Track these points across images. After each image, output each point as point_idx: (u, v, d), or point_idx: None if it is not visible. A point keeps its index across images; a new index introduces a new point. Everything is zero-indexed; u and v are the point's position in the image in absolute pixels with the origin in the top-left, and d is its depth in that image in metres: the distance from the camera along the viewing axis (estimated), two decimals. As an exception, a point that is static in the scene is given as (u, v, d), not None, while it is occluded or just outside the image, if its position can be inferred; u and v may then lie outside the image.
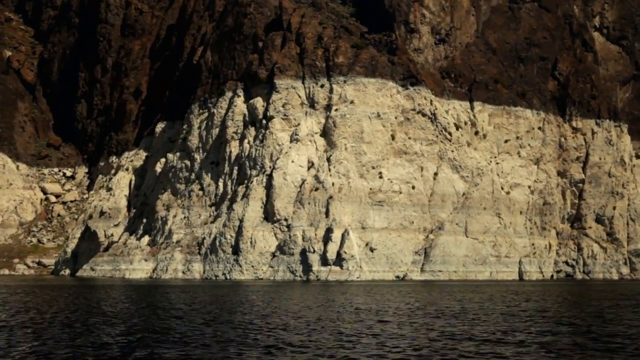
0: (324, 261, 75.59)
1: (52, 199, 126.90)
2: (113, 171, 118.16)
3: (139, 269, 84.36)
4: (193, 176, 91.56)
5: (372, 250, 79.36)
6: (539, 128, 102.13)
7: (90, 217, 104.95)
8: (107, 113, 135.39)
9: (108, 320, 29.56)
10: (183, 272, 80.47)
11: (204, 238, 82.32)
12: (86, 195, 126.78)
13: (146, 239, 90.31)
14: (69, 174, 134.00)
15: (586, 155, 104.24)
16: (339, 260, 75.60)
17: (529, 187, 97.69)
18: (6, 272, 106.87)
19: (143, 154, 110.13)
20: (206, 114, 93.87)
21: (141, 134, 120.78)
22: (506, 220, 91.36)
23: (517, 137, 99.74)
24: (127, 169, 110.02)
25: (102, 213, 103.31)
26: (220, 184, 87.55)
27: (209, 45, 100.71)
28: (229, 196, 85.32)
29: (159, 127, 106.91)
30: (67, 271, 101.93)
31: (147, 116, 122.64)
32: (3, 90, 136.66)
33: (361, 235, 79.43)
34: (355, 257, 76.25)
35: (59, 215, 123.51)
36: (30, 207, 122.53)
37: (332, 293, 49.65)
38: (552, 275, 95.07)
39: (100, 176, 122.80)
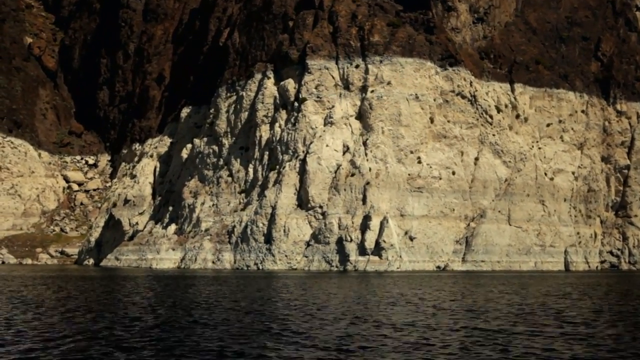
0: (362, 250, 71.46)
1: (75, 187, 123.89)
2: (136, 158, 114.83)
3: (166, 258, 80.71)
4: (221, 162, 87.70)
5: (411, 239, 75.12)
6: (582, 111, 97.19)
7: (114, 205, 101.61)
8: (129, 100, 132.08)
9: (171, 314, 25.71)
10: (213, 262, 76.69)
11: (234, 226, 78.46)
12: (109, 184, 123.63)
13: (173, 227, 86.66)
14: (91, 161, 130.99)
15: (631, 140, 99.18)
16: (378, 249, 71.44)
17: (573, 173, 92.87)
18: (29, 261, 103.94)
19: (168, 141, 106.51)
20: (234, 98, 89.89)
21: (165, 120, 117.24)
22: (550, 207, 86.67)
23: (560, 121, 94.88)
24: (151, 156, 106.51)
25: (126, 201, 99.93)
26: (250, 170, 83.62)
27: (236, 26, 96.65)
28: (259, 182, 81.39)
29: (184, 112, 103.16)
30: (91, 261, 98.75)
31: (170, 102, 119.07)
32: (24, 77, 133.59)
33: (400, 224, 75.21)
34: (395, 247, 72.06)
35: (81, 203, 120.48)
36: (53, 196, 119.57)
37: (379, 285, 45.52)
38: (596, 266, 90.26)
39: (124, 164, 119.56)
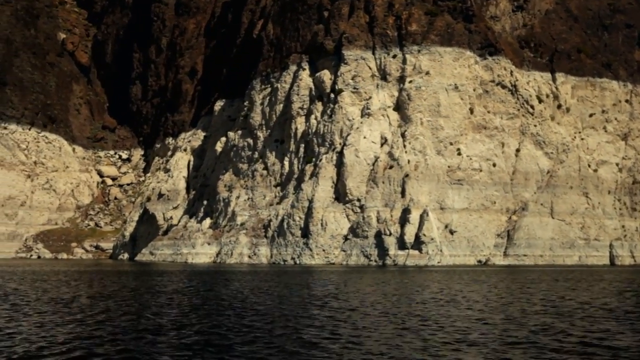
0: (401, 244, 69.67)
1: (109, 181, 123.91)
2: (170, 153, 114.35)
3: (202, 253, 79.80)
4: (256, 155, 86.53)
5: (451, 232, 73.16)
6: (626, 101, 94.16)
7: (148, 199, 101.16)
8: (162, 94, 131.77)
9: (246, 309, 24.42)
10: (249, 257, 75.56)
11: (270, 220, 77.24)
12: (142, 178, 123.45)
13: (208, 221, 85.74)
14: (124, 156, 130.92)
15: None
16: (418, 243, 69.60)
17: (617, 164, 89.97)
18: (64, 256, 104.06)
19: (201, 134, 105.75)
20: (269, 90, 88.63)
21: (198, 114, 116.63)
22: (594, 200, 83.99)
23: (603, 111, 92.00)
24: (184, 150, 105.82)
25: (160, 195, 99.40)
26: (286, 163, 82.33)
27: (269, 17, 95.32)
28: (295, 175, 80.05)
29: (218, 105, 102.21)
30: (126, 255, 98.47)
31: (203, 96, 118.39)
32: (58, 73, 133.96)
33: (440, 217, 73.30)
34: (436, 240, 70.15)
35: (115, 198, 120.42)
36: (87, 190, 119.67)
37: (427, 281, 43.82)
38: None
39: (157, 158, 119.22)
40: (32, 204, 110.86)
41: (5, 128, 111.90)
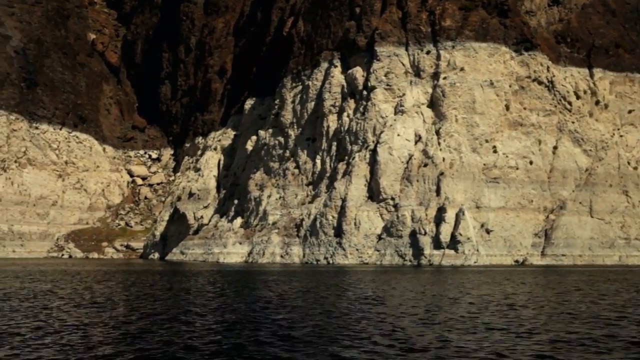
0: (437, 244, 68.15)
1: (139, 181, 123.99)
2: (199, 152, 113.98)
3: (234, 252, 79.04)
4: (287, 153, 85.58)
5: (488, 232, 71.50)
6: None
7: (179, 199, 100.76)
8: (191, 93, 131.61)
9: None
10: (281, 256, 74.59)
11: (302, 219, 76.21)
12: (172, 178, 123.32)
13: (239, 220, 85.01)
14: (154, 156, 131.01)
15: None
16: (454, 242, 68.03)
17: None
18: (95, 255, 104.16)
19: (231, 133, 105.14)
20: (300, 88, 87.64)
21: (228, 113, 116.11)
22: (634, 198, 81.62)
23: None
24: (215, 149, 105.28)
25: (190, 194, 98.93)
26: (318, 161, 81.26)
27: (300, 15, 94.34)
28: (327, 174, 78.95)
29: (248, 104, 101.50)
30: (156, 255, 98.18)
31: (233, 94, 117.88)
32: (88, 73, 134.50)
33: (476, 216, 71.65)
34: (472, 240, 68.53)
35: (145, 197, 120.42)
36: (118, 190, 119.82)
37: (471, 282, 42.40)
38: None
39: (187, 157, 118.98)
40: (64, 203, 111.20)
41: (36, 128, 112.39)
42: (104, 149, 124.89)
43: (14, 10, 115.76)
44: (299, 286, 34.90)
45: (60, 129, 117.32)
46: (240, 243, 79.72)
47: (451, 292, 31.21)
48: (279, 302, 25.88)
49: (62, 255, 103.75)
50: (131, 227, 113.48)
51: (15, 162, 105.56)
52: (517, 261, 72.46)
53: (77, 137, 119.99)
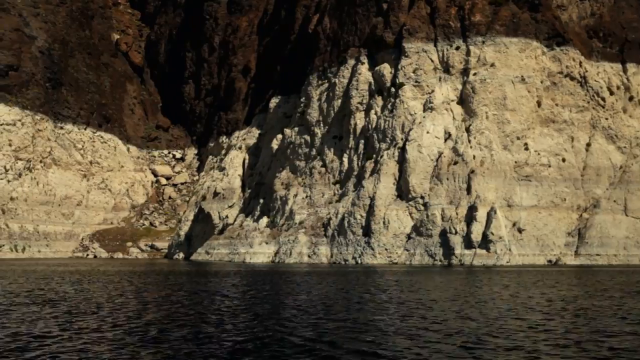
0: (468, 243, 66.56)
1: (163, 181, 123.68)
2: (224, 151, 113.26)
3: (260, 252, 78.02)
4: (314, 152, 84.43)
5: (520, 231, 69.74)
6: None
7: (204, 198, 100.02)
8: (215, 93, 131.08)
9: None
10: (308, 256, 73.42)
11: (329, 218, 74.98)
12: (196, 177, 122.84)
13: (265, 220, 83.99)
14: (178, 155, 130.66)
15: None
16: (486, 242, 66.39)
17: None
18: (120, 255, 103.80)
19: (256, 132, 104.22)
20: (326, 85, 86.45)
21: (252, 112, 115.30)
22: (671, 197, 79.30)
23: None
24: (239, 148, 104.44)
25: (215, 194, 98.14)
26: (345, 160, 80.00)
27: (326, 11, 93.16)
28: (355, 172, 77.67)
29: (273, 102, 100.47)
30: (181, 255, 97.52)
31: (257, 93, 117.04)
32: (112, 73, 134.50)
33: (507, 214, 69.92)
34: (504, 239, 66.86)
35: (169, 197, 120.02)
36: (142, 190, 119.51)
37: (516, 282, 40.93)
38: None
39: (211, 157, 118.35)
40: (88, 203, 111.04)
41: (61, 128, 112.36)
42: (128, 149, 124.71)
43: (39, 11, 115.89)
44: (353, 288, 33.70)
45: (85, 129, 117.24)
46: (267, 243, 78.70)
47: (505, 293, 29.81)
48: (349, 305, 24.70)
49: (87, 255, 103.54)
50: (155, 227, 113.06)
51: (41, 162, 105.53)
52: (550, 261, 70.66)
53: (101, 137, 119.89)
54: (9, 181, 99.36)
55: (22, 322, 19.19)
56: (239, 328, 18.02)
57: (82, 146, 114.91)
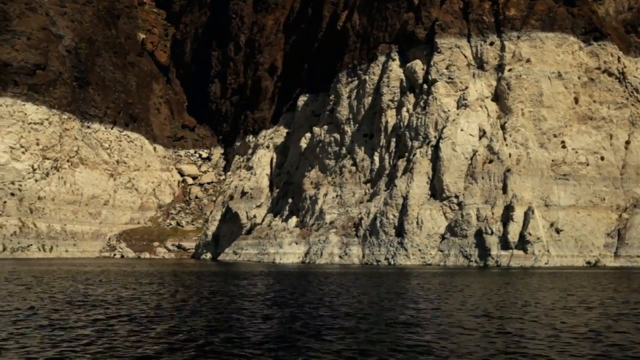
0: (505, 244, 64.64)
1: (189, 180, 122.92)
2: (250, 150, 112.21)
3: (290, 252, 76.61)
4: (344, 150, 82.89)
5: (558, 231, 67.62)
6: None
7: (231, 198, 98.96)
8: (241, 92, 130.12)
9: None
10: (340, 257, 71.91)
11: (361, 218, 73.41)
12: (223, 177, 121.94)
13: (294, 220, 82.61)
14: (204, 155, 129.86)
15: None
16: (523, 243, 64.42)
17: None
18: (147, 255, 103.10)
19: (284, 131, 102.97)
20: (356, 82, 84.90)
21: (279, 111, 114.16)
22: None
23: None
24: (267, 147, 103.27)
25: (243, 193, 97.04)
26: (376, 158, 78.38)
27: (355, 8, 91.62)
28: (386, 171, 76.02)
29: (301, 100, 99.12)
30: (208, 255, 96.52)
31: (284, 92, 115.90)
32: (138, 72, 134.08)
33: (545, 214, 67.86)
34: (542, 240, 64.83)
35: (196, 197, 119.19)
36: (168, 189, 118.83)
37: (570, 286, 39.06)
38: None
39: (237, 156, 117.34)
40: (115, 203, 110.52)
41: (88, 127, 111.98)
42: (154, 148, 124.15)
43: (66, 10, 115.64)
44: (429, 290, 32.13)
45: (112, 128, 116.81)
46: (297, 243, 77.31)
47: (572, 299, 28.07)
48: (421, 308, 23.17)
49: (114, 255, 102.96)
50: (182, 226, 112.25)
51: (68, 161, 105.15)
52: (588, 262, 68.47)
53: (128, 136, 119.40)
54: (36, 180, 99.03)
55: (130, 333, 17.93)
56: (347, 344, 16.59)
57: (109, 145, 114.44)
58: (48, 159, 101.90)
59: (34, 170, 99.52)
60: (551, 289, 33.15)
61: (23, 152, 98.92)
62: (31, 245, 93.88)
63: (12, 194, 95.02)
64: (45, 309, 22.03)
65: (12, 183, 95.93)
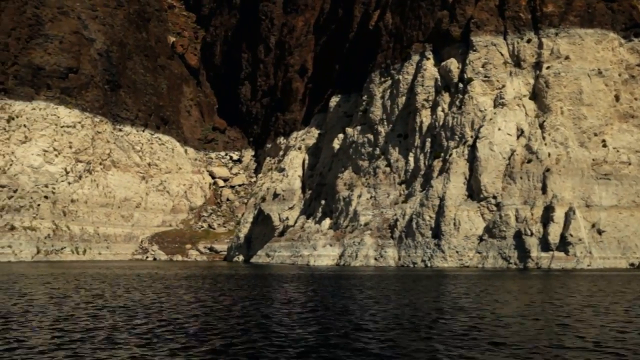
0: (545, 246, 62.99)
1: (220, 183, 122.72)
2: (282, 152, 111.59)
3: (324, 255, 75.70)
4: (378, 151, 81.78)
5: (600, 232, 65.74)
6: None
7: (263, 200, 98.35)
8: (272, 93, 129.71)
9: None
10: (375, 259, 70.80)
11: (396, 220, 72.22)
12: (254, 179, 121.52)
13: (327, 221, 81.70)
14: (235, 157, 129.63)
15: None
16: (564, 244, 62.72)
17: None
18: (179, 257, 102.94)
19: (315, 132, 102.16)
20: (389, 82, 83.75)
21: (310, 112, 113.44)
22: None
23: None
24: (299, 149, 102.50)
25: (275, 195, 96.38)
26: (411, 159, 77.15)
27: (387, 7, 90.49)
28: (422, 172, 74.76)
29: (333, 101, 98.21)
30: (241, 257, 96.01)
31: (315, 93, 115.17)
32: (169, 75, 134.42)
33: (586, 215, 66.03)
34: (584, 241, 63.07)
35: (227, 199, 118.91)
36: (200, 192, 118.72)
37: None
38: None
39: (268, 158, 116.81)
40: (147, 205, 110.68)
41: (120, 130, 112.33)
42: (185, 151, 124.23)
43: (97, 14, 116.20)
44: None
45: (143, 131, 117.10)
46: (331, 245, 76.37)
47: None
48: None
49: (147, 257, 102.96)
50: (214, 229, 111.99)
51: (100, 164, 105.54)
52: (632, 264, 66.47)
53: (159, 138, 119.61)
54: (69, 183, 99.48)
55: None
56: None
57: (141, 148, 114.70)
58: (81, 161, 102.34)
59: (67, 173, 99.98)
60: (620, 292, 31.80)
61: (56, 155, 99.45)
62: (65, 247, 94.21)
63: (46, 197, 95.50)
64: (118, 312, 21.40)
65: (46, 186, 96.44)
